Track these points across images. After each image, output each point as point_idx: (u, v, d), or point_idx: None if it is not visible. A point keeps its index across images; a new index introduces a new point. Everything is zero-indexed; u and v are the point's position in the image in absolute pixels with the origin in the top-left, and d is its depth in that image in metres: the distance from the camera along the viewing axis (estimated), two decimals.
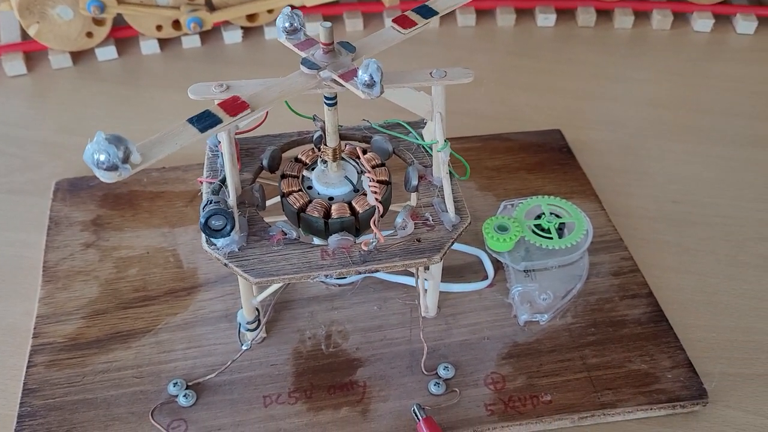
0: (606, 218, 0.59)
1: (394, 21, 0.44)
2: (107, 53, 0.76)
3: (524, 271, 0.54)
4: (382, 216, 0.45)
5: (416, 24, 0.44)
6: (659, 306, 0.53)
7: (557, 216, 0.56)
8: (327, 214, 0.46)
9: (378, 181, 0.47)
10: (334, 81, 0.41)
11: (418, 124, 0.52)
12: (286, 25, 0.42)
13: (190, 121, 0.37)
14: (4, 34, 0.76)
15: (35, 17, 0.71)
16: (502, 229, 0.54)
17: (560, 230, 0.55)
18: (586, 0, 0.84)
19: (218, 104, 0.38)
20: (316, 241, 0.48)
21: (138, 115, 0.71)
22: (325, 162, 0.47)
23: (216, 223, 0.43)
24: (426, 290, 0.51)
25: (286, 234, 0.45)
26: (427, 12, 0.45)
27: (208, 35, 0.80)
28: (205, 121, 0.37)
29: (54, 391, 0.47)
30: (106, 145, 0.33)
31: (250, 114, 0.38)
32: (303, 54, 0.42)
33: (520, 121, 0.71)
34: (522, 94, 0.75)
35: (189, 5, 0.75)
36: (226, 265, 0.43)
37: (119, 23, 0.76)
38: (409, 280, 0.53)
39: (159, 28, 0.76)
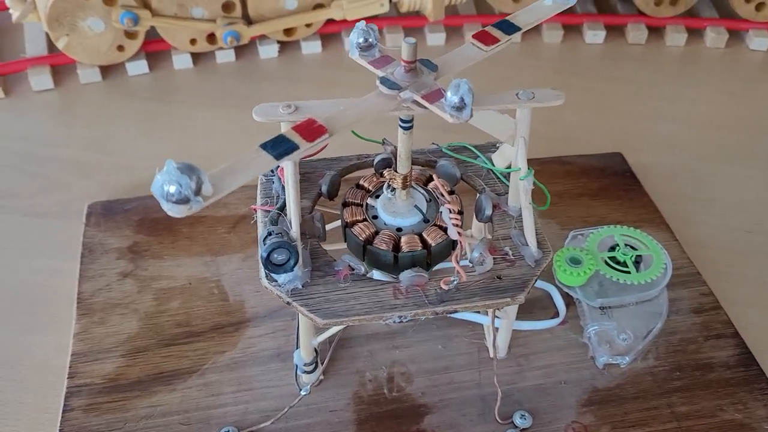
0: (680, 250, 0.55)
1: (474, 37, 0.40)
2: (138, 68, 0.73)
3: (599, 308, 0.49)
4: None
5: (499, 41, 0.40)
6: (747, 347, 0.49)
7: (632, 248, 0.52)
8: (396, 247, 0.42)
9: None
10: (416, 103, 0.37)
11: (486, 148, 0.48)
12: (360, 40, 0.38)
13: (264, 147, 0.33)
14: (29, 46, 0.73)
15: (65, 29, 0.67)
16: (575, 261, 0.50)
17: (636, 263, 0.51)
18: (637, 16, 0.80)
19: (293, 128, 0.34)
20: (377, 275, 0.44)
21: (172, 133, 0.67)
22: (392, 189, 0.43)
23: (279, 257, 0.39)
24: (497, 329, 0.47)
25: (353, 269, 0.41)
26: (508, 27, 0.41)
27: (243, 50, 0.76)
28: (280, 147, 0.33)
29: None
30: (178, 175, 0.29)
31: (328, 139, 0.34)
32: (379, 72, 0.38)
33: (575, 143, 0.67)
34: (574, 114, 0.71)
35: (225, 18, 0.71)
36: (288, 303, 0.39)
37: (151, 36, 0.72)
38: (476, 317, 0.49)
39: (193, 41, 0.72)
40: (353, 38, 0.38)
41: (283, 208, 0.43)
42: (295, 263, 0.39)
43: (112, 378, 0.46)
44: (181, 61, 0.74)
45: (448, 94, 0.35)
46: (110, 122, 0.68)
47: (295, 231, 0.40)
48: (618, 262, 0.51)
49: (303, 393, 0.44)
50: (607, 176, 0.62)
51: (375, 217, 0.44)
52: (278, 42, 0.76)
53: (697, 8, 0.82)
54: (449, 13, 0.79)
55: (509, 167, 0.44)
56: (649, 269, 0.50)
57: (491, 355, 0.48)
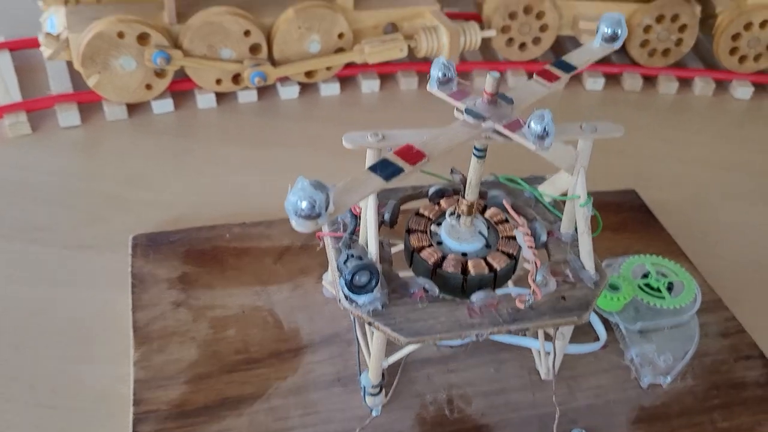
0: (701, 278, 0.59)
1: (538, 75, 0.44)
2: (164, 106, 0.74)
3: (639, 331, 0.52)
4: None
5: (559, 78, 0.44)
6: None
7: (663, 275, 0.55)
8: (463, 271, 0.44)
9: (508, 237, 0.46)
10: (497, 132, 0.40)
11: (531, 181, 0.52)
12: (440, 75, 0.41)
13: (372, 169, 0.35)
14: (54, 84, 0.73)
15: (98, 67, 0.69)
16: (614, 287, 0.53)
17: (668, 290, 0.54)
18: (632, 66, 0.86)
19: (395, 152, 0.36)
20: None
21: (201, 170, 0.68)
22: (457, 216, 0.46)
23: (361, 278, 0.41)
24: (548, 352, 0.49)
25: (427, 291, 0.43)
26: (566, 67, 0.45)
27: (264, 91, 0.79)
28: (386, 169, 0.35)
29: None
30: (311, 191, 0.31)
31: (426, 163, 0.37)
32: (459, 104, 0.41)
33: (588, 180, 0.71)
34: None
35: (252, 59, 0.73)
36: (370, 323, 0.41)
37: (176, 76, 0.74)
38: (526, 342, 0.51)
39: (218, 81, 0.74)
40: (434, 72, 0.41)
41: (353, 234, 0.45)
42: (377, 284, 0.41)
43: (177, 404, 0.46)
44: (206, 100, 0.76)
45: (532, 123, 0.38)
46: (140, 159, 0.69)
47: (374, 253, 0.42)
48: (652, 288, 0.54)
49: (375, 414, 0.45)
50: (625, 211, 0.65)
51: (439, 243, 0.46)
52: (299, 83, 0.79)
53: (685, 60, 0.88)
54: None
55: (563, 196, 0.47)
56: (682, 295, 0.53)
57: (543, 377, 0.50)
